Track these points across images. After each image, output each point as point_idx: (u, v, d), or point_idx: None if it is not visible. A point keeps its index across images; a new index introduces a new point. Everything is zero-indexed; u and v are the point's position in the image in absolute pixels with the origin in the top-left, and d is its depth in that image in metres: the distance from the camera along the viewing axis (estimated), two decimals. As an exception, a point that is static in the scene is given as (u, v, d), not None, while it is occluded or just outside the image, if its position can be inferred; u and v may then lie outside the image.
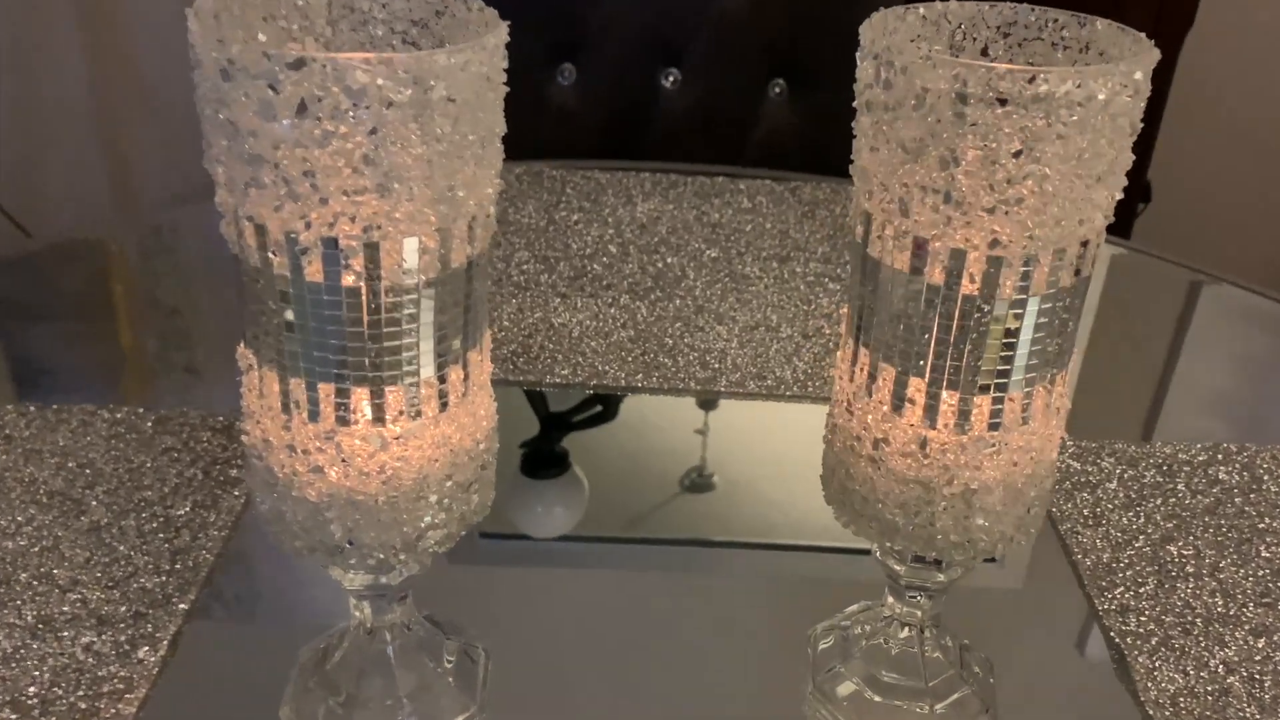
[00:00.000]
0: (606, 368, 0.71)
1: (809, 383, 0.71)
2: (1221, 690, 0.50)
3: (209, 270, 0.84)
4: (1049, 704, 0.51)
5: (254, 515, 0.54)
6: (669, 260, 0.84)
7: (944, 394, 0.38)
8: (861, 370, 0.40)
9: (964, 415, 0.38)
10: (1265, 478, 0.64)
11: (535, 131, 1.16)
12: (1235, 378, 0.79)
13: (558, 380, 0.70)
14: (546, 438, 0.67)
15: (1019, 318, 0.37)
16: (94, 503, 0.56)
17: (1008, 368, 0.38)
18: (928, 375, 0.38)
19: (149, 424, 0.62)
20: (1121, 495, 0.62)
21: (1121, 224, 1.42)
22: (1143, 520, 0.60)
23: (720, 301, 0.79)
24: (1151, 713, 0.49)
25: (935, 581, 0.44)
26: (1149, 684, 0.50)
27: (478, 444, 0.40)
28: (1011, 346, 0.37)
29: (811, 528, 0.60)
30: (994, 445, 0.39)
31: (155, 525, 0.55)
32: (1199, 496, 0.62)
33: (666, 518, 0.61)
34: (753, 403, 0.69)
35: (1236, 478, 0.64)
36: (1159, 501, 0.62)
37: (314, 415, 0.36)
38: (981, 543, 0.41)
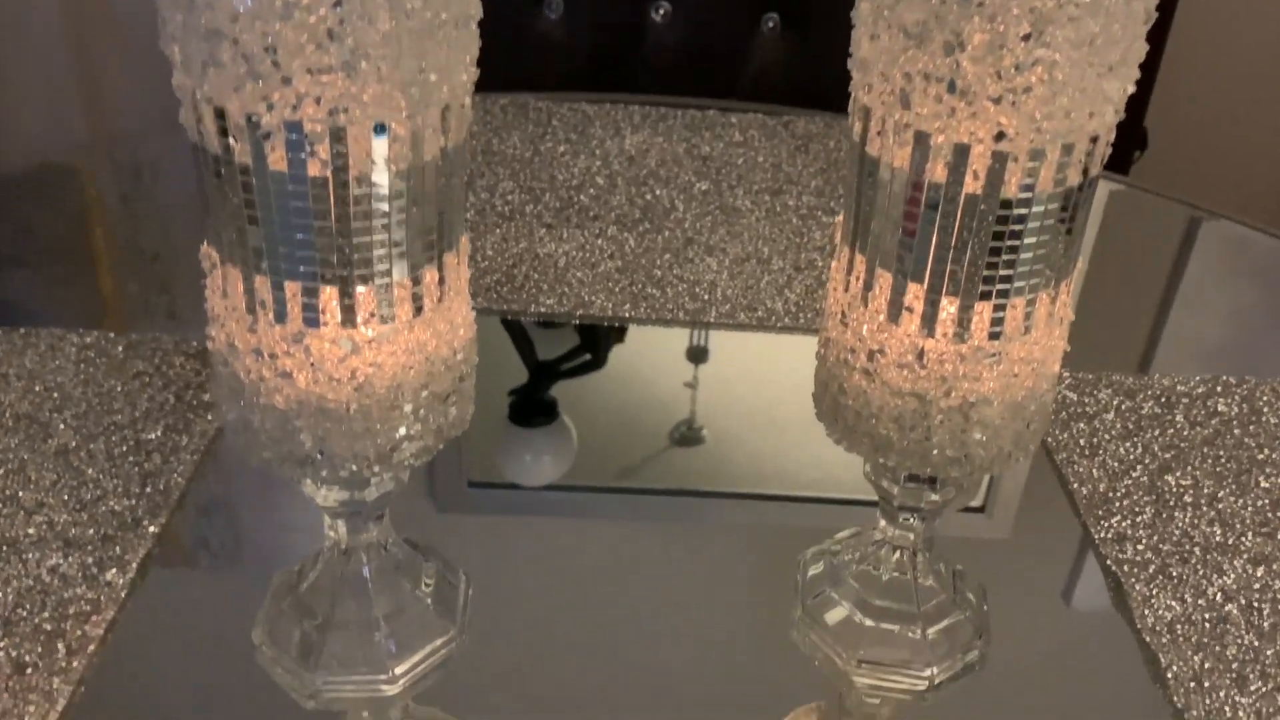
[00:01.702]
0: (593, 298, 0.69)
1: (800, 314, 0.69)
2: (1219, 618, 0.49)
3: (191, 215, 0.82)
4: (1044, 631, 0.50)
5: (227, 441, 0.52)
6: (658, 192, 0.82)
7: (943, 301, 0.36)
8: (857, 279, 0.39)
9: (963, 324, 0.37)
10: (1265, 410, 0.63)
11: (521, 64, 1.13)
12: (1234, 314, 0.77)
13: (542, 310, 0.68)
14: (535, 386, 0.65)
15: (1023, 218, 0.35)
16: (62, 426, 0.54)
17: (1010, 273, 0.36)
18: (927, 281, 0.36)
19: (119, 349, 0.60)
20: (1119, 426, 0.61)
21: (1118, 170, 1.40)
22: (1140, 451, 0.59)
23: (710, 234, 0.77)
24: (1148, 639, 0.48)
25: (929, 502, 0.43)
26: (1146, 611, 0.49)
27: (455, 353, 0.38)
28: (1015, 250, 0.35)
29: (802, 480, 0.58)
30: (994, 355, 0.37)
31: (125, 449, 0.53)
32: (1198, 428, 0.61)
33: (655, 470, 0.59)
34: (744, 350, 0.67)
35: (1236, 409, 0.63)
36: (1157, 433, 0.60)
37: (281, 316, 0.34)
38: (978, 458, 0.39)
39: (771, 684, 0.46)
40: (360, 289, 0.34)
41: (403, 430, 0.37)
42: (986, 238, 0.35)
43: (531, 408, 0.64)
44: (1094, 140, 0.35)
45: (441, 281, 0.36)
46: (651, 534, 0.55)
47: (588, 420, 0.62)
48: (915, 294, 0.37)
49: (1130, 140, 1.58)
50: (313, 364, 0.35)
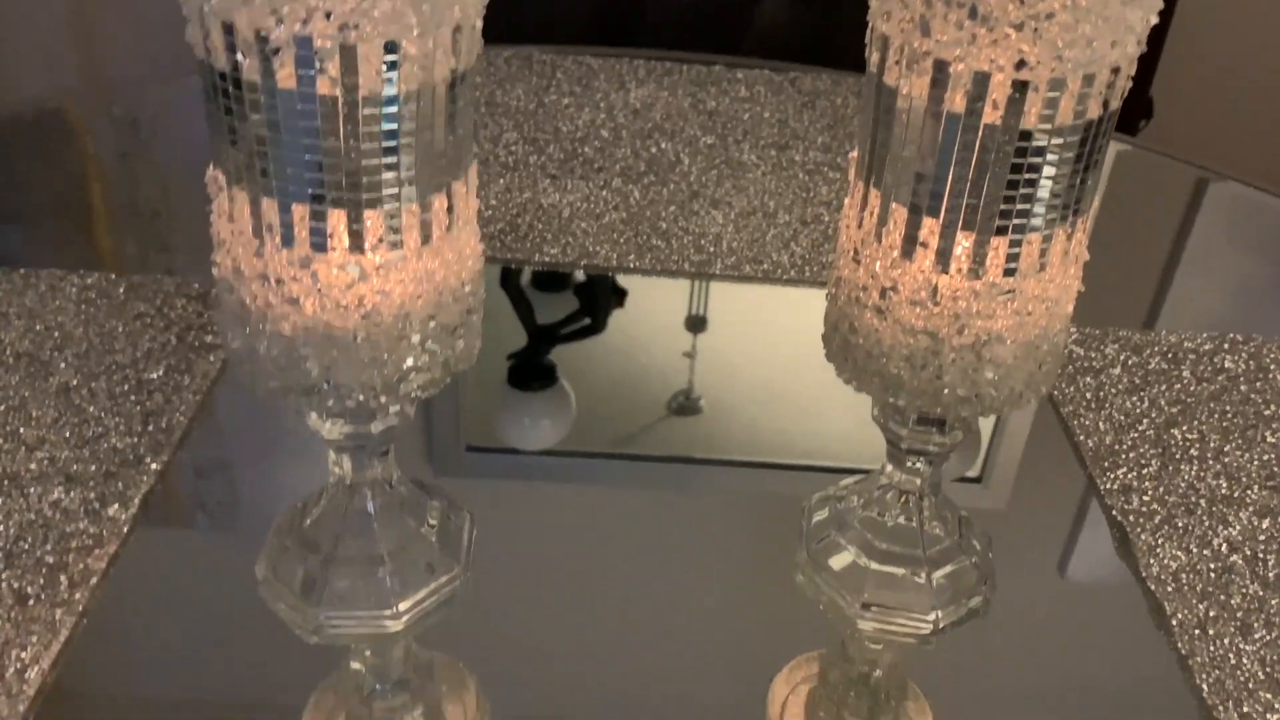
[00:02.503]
0: (597, 248, 0.69)
1: (806, 268, 0.69)
2: (1224, 568, 0.49)
3: (191, 173, 0.80)
4: (1048, 579, 0.50)
5: (230, 380, 0.52)
6: (663, 145, 0.81)
7: (959, 236, 0.36)
8: (871, 215, 0.38)
9: (978, 259, 0.36)
10: (1272, 367, 0.63)
11: (526, 17, 1.12)
12: (1241, 274, 0.77)
13: (546, 259, 0.68)
14: (534, 350, 0.65)
15: (1042, 151, 0.34)
16: (63, 365, 0.54)
17: (1027, 207, 0.35)
18: (942, 215, 0.36)
19: (120, 290, 0.60)
20: (1125, 381, 0.61)
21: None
22: (1146, 405, 0.59)
23: (716, 187, 0.77)
24: (1153, 588, 0.47)
25: (936, 443, 0.43)
26: (1151, 561, 0.49)
27: (463, 285, 0.37)
28: (1033, 184, 0.35)
29: (798, 450, 0.58)
30: (1008, 293, 0.37)
31: (127, 388, 0.52)
32: (1204, 384, 0.61)
33: (653, 439, 0.58)
34: (743, 319, 0.67)
35: (1243, 366, 0.62)
36: (1163, 387, 0.60)
37: (288, 240, 0.34)
38: (989, 398, 0.39)
39: (770, 636, 0.46)
40: (368, 213, 0.34)
41: (410, 361, 0.37)
42: (1004, 170, 0.35)
43: (530, 371, 0.63)
44: (1115, 72, 0.34)
45: (450, 210, 0.36)
46: (650, 499, 0.55)
47: (586, 388, 0.61)
48: (930, 229, 0.36)
49: (1136, 109, 1.56)
50: (320, 290, 0.34)
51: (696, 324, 0.67)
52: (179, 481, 0.49)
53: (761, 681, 0.44)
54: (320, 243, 0.34)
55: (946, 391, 0.39)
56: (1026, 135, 0.34)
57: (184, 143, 0.83)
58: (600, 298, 0.69)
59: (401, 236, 0.34)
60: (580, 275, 0.69)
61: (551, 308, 0.68)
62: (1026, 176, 0.35)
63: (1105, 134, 0.36)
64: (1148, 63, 1.63)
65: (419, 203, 0.34)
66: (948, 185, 0.35)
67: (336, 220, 0.33)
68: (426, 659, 0.45)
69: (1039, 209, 0.36)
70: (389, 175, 0.33)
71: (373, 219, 0.34)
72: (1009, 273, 0.36)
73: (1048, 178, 0.35)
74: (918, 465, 0.45)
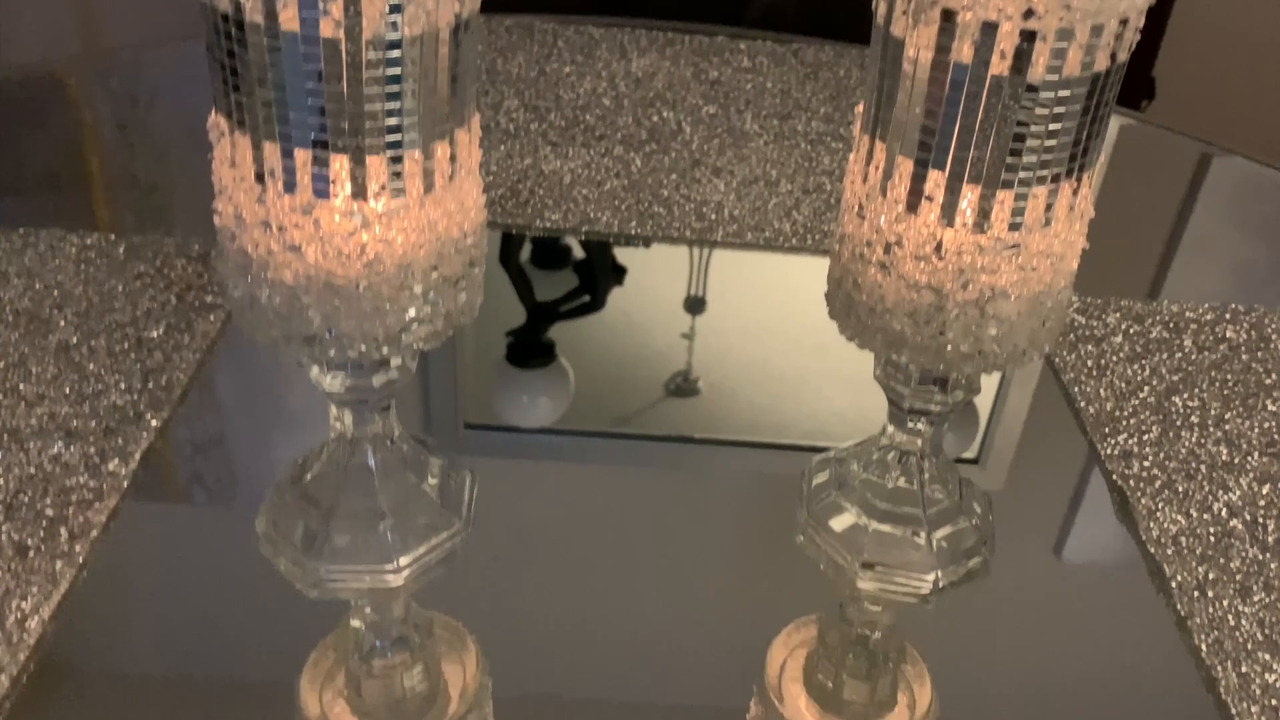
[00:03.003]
0: (599, 214, 0.69)
1: (809, 235, 0.68)
2: (1224, 532, 0.49)
3: (189, 146, 0.80)
4: (1049, 542, 0.50)
5: (231, 340, 0.52)
6: (665, 114, 0.81)
7: (964, 189, 0.36)
8: (876, 169, 0.38)
9: (984, 213, 0.36)
10: (1274, 337, 0.62)
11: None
12: (1243, 247, 0.77)
13: (547, 225, 0.68)
14: (533, 327, 0.64)
15: (1049, 103, 0.34)
16: (62, 323, 0.53)
17: (1034, 159, 0.35)
18: (948, 167, 0.36)
19: (120, 250, 0.59)
20: (1127, 349, 0.61)
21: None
22: (1148, 373, 0.59)
23: (718, 156, 0.76)
24: (1153, 551, 0.48)
25: (938, 402, 0.43)
26: (1151, 524, 0.49)
27: (465, 236, 0.37)
28: (1039, 136, 0.35)
29: (796, 432, 0.58)
30: (1013, 247, 0.37)
31: (126, 346, 0.52)
32: (1205, 353, 0.61)
33: (651, 420, 0.58)
34: (742, 301, 0.66)
35: (1244, 336, 0.62)
36: (1164, 356, 0.60)
37: (290, 186, 0.34)
38: (992, 355, 0.39)
39: (768, 601, 0.46)
40: (371, 159, 0.33)
41: (412, 312, 0.36)
42: (1011, 123, 0.34)
43: (529, 349, 0.63)
44: (1123, 23, 0.34)
45: (453, 159, 0.36)
46: (648, 477, 0.54)
47: (584, 368, 0.61)
48: (936, 181, 0.36)
49: (1138, 89, 1.56)
50: (322, 238, 0.34)
51: (695, 305, 0.67)
52: (179, 438, 0.48)
53: (760, 645, 0.44)
54: (322, 189, 0.34)
55: (949, 348, 0.39)
56: (1033, 87, 0.34)
57: (183, 115, 0.83)
58: (600, 275, 0.68)
59: (404, 184, 0.34)
60: (579, 253, 0.69)
61: (551, 286, 0.67)
62: (1033, 129, 0.35)
63: (1113, 87, 0.35)
64: (1151, 42, 1.62)
65: (422, 150, 0.34)
66: (954, 138, 0.35)
67: (339, 166, 0.33)
68: (426, 618, 0.45)
69: (1045, 161, 0.35)
70: (392, 121, 0.33)
71: (375, 165, 0.34)
72: (1014, 227, 0.36)
73: (1054, 131, 0.35)
74: (919, 426, 0.45)
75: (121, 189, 0.75)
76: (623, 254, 0.68)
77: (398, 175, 0.34)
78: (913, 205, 0.37)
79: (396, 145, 0.34)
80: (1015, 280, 0.37)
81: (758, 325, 0.66)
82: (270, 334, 0.36)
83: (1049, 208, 0.36)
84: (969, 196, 0.36)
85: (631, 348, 0.63)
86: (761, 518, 0.51)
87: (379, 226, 0.34)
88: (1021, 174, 0.35)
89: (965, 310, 0.38)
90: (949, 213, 0.36)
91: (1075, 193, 0.37)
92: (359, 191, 0.34)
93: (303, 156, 0.33)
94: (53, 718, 0.38)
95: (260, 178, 0.34)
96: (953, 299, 0.38)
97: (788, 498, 0.48)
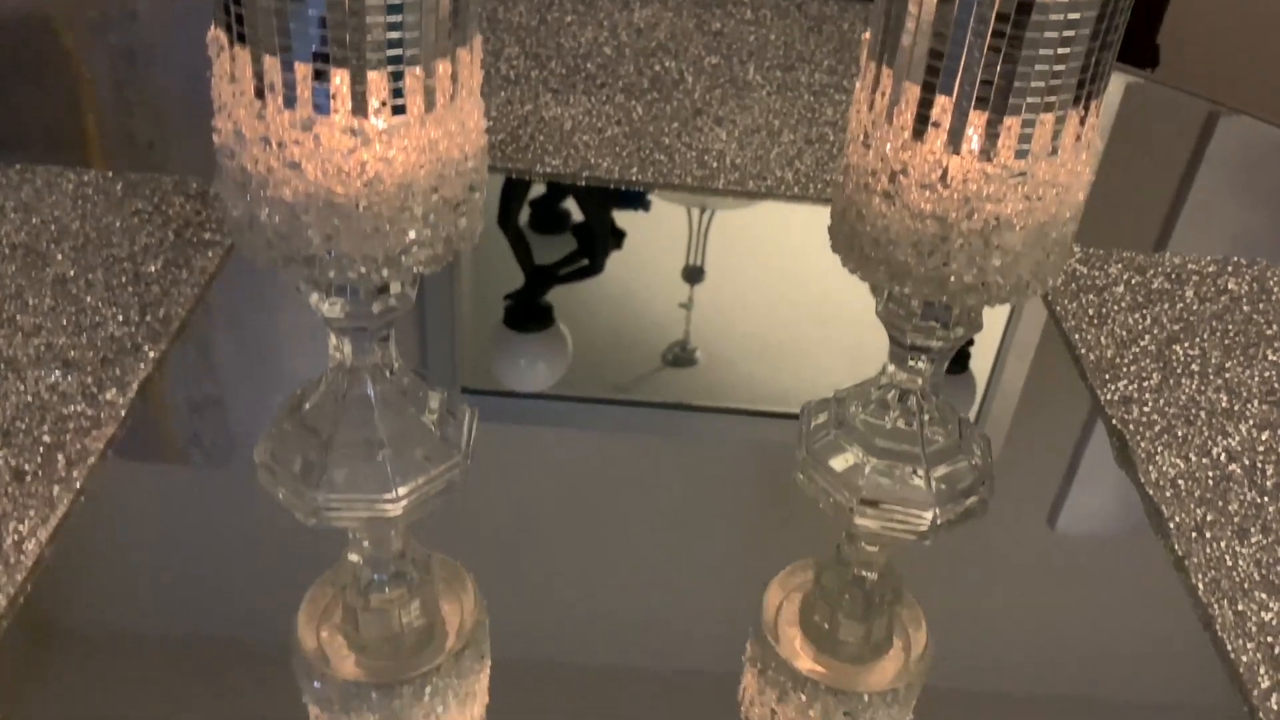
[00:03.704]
0: (599, 161, 0.68)
1: (811, 184, 0.68)
2: (1223, 476, 0.49)
3: (186, 106, 0.79)
4: (1048, 483, 0.50)
5: (229, 276, 0.52)
6: (667, 64, 0.80)
7: (971, 115, 0.35)
8: (883, 95, 0.37)
9: (990, 139, 0.36)
10: (1275, 289, 0.62)
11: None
12: (1248, 205, 0.76)
13: (548, 170, 0.67)
14: (531, 291, 0.64)
15: (1058, 25, 0.34)
16: (59, 256, 0.53)
17: (1041, 85, 0.35)
18: (956, 92, 0.35)
19: (118, 187, 0.59)
20: (1128, 299, 0.60)
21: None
22: (1149, 322, 0.59)
23: (720, 105, 0.76)
24: (1151, 493, 0.48)
25: (940, 338, 0.43)
26: (1150, 468, 0.49)
27: (466, 159, 0.37)
28: (1048, 60, 0.34)
29: (793, 402, 0.57)
30: (1019, 175, 0.36)
31: (124, 280, 0.52)
32: (1207, 303, 0.61)
33: (648, 389, 0.58)
34: (741, 269, 0.65)
35: (1246, 288, 0.62)
36: (1166, 306, 0.60)
37: (290, 101, 0.33)
38: (996, 287, 0.39)
39: (765, 547, 0.46)
40: (372, 75, 0.33)
41: (412, 234, 0.36)
42: (1019, 47, 0.34)
43: (527, 312, 0.62)
44: (1136, -55, 0.33)
45: (455, 78, 0.35)
46: (645, 442, 0.54)
47: (582, 335, 0.61)
48: (943, 106, 0.36)
49: (1142, 57, 1.55)
50: (322, 155, 0.34)
51: (693, 275, 0.66)
52: (177, 370, 0.48)
53: (755, 589, 0.44)
54: (323, 104, 0.33)
55: (953, 279, 0.38)
56: (1043, 9, 0.33)
57: (181, 72, 0.82)
58: (598, 239, 0.68)
59: (405, 101, 0.34)
60: (578, 216, 0.68)
61: (549, 250, 0.67)
62: (1041, 53, 0.34)
63: (1122, 13, 0.35)
64: (1154, 10, 1.61)
65: (423, 67, 0.34)
66: (961, 62, 0.35)
67: (340, 81, 0.33)
68: (424, 555, 0.45)
69: (1053, 87, 0.35)
70: (393, 35, 0.33)
71: (376, 81, 0.33)
72: (1020, 155, 0.36)
73: (1063, 56, 0.34)
74: (919, 364, 0.45)
75: (118, 146, 0.74)
76: (622, 218, 0.68)
77: (399, 92, 0.34)
78: (919, 132, 0.37)
79: (398, 61, 0.33)
80: (1020, 210, 0.37)
81: (756, 296, 0.65)
82: (269, 255, 0.36)
83: (1056, 136, 0.36)
84: (976, 123, 0.36)
85: (630, 316, 0.62)
86: (757, 477, 0.51)
87: (379, 144, 0.34)
88: (1029, 100, 0.35)
89: (969, 240, 0.37)
90: (955, 139, 0.36)
91: (1083, 122, 0.37)
92: (359, 108, 0.33)
93: (303, 70, 0.33)
94: (50, 639, 0.38)
95: (260, 92, 0.33)
96: (957, 229, 0.37)
97: (783, 460, 0.48)
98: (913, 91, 0.36)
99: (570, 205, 0.68)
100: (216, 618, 0.41)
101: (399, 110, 0.34)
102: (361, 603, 0.42)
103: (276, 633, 0.40)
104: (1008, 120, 0.35)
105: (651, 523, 0.48)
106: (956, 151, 0.36)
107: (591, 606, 0.44)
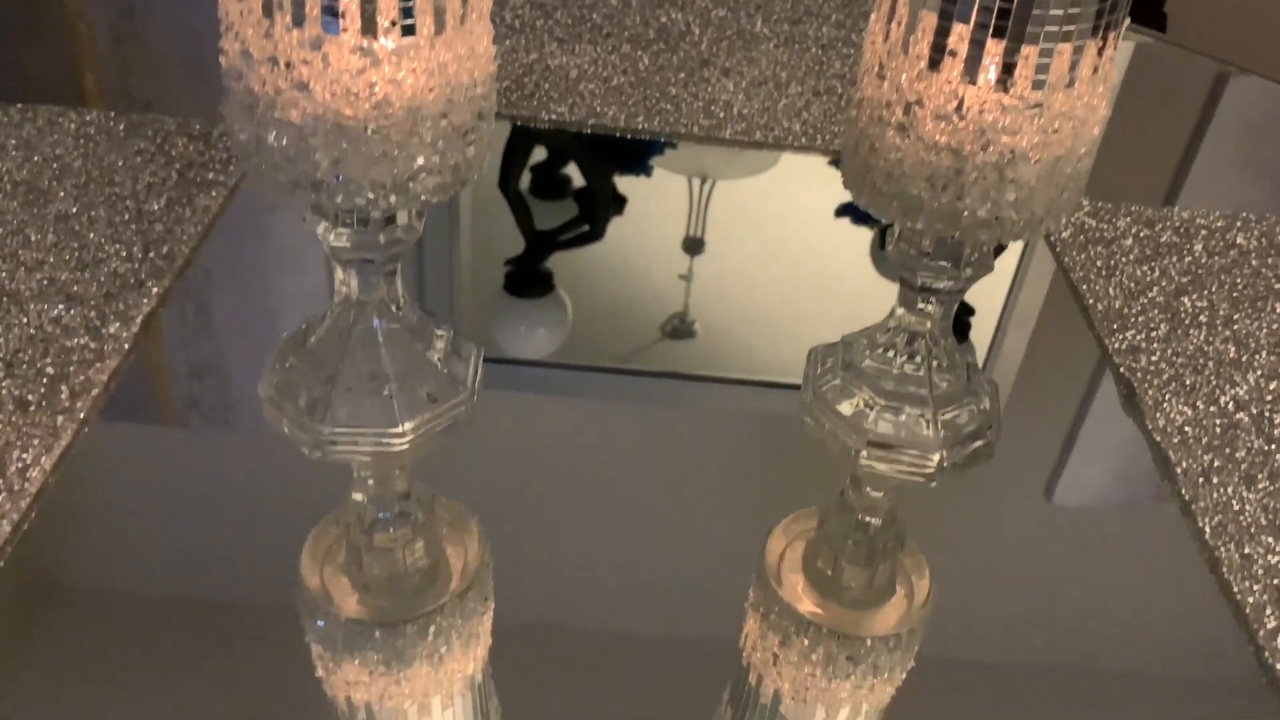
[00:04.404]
0: (606, 109, 0.68)
1: (818, 135, 0.68)
2: (1230, 424, 0.49)
3: (184, 64, 0.78)
4: (1055, 428, 0.50)
5: (233, 215, 0.51)
6: (673, 15, 0.79)
7: (988, 44, 0.35)
8: (899, 25, 0.37)
9: (1007, 69, 0.35)
10: (1284, 243, 0.62)
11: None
12: (1256, 164, 0.76)
13: (553, 118, 0.67)
14: (532, 256, 0.63)
15: (1080, -49, 0.33)
16: (62, 194, 0.53)
17: (1059, 14, 0.34)
18: (973, 20, 0.35)
19: (120, 127, 0.58)
20: (1137, 251, 0.60)
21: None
22: (1157, 274, 0.58)
23: (727, 57, 0.75)
24: (1158, 439, 0.47)
25: (950, 277, 0.42)
26: (1157, 414, 0.49)
27: (475, 85, 0.36)
28: (1067, -13, 0.34)
29: (791, 374, 0.56)
30: (1036, 107, 0.36)
31: (127, 217, 0.51)
32: (1215, 257, 0.60)
33: (647, 360, 0.57)
34: (740, 240, 0.64)
35: (1254, 243, 0.62)
36: (1174, 259, 0.60)
37: (298, 19, 0.33)
38: (1009, 222, 0.38)
39: (767, 498, 0.46)
40: (382, -8, 0.32)
41: (420, 160, 0.36)
42: (1039, -28, 0.34)
43: (527, 278, 0.61)
44: None
45: (464, 0, 0.35)
46: (644, 411, 0.53)
47: (582, 304, 0.60)
48: (960, 35, 0.35)
49: (1149, 21, 1.54)
50: (330, 76, 0.33)
51: (694, 246, 0.65)
52: (179, 305, 0.48)
53: (759, 536, 0.44)
54: (332, 23, 0.33)
55: (967, 214, 0.38)
56: (1065, -67, 0.33)
57: (179, 31, 0.81)
58: (600, 205, 0.67)
59: (415, 21, 0.33)
60: (580, 180, 0.67)
61: (550, 216, 0.66)
62: (1061, -21, 0.34)
63: (1144, -59, 0.34)
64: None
65: (434, -13, 0.33)
66: (980, -12, 0.34)
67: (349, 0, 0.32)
68: (429, 496, 0.45)
69: (1071, 17, 0.34)
70: (403, -49, 0.32)
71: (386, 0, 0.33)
72: (1037, 85, 0.36)
73: (1083, -18, 0.34)
74: (928, 307, 0.44)
75: (115, 104, 0.73)
76: (624, 184, 0.67)
77: (408, 12, 0.33)
78: (935, 62, 0.36)
79: (408, -21, 0.33)
80: (1036, 143, 0.37)
81: (756, 269, 0.64)
82: (276, 179, 0.36)
83: (1073, 67, 0.36)
84: (993, 52, 0.35)
85: (628, 287, 0.61)
86: (757, 439, 0.50)
87: (388, 65, 0.34)
88: (1047, 28, 0.35)
89: (984, 174, 0.37)
90: (972, 69, 0.36)
91: (1100, 53, 0.36)
92: (369, 27, 0.33)
93: (312, -15, 0.32)
94: (52, 566, 0.38)
95: (268, 10, 0.33)
96: (972, 161, 0.37)
97: (782, 425, 0.47)
98: (930, 20, 0.36)
99: (572, 171, 0.67)
100: (219, 553, 0.41)
101: (408, 31, 0.33)
102: (365, 541, 0.42)
103: (280, 570, 0.40)
104: (1025, 49, 0.35)
105: (654, 478, 0.47)
106: (973, 81, 0.36)
107: (593, 555, 0.44)
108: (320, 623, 0.40)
